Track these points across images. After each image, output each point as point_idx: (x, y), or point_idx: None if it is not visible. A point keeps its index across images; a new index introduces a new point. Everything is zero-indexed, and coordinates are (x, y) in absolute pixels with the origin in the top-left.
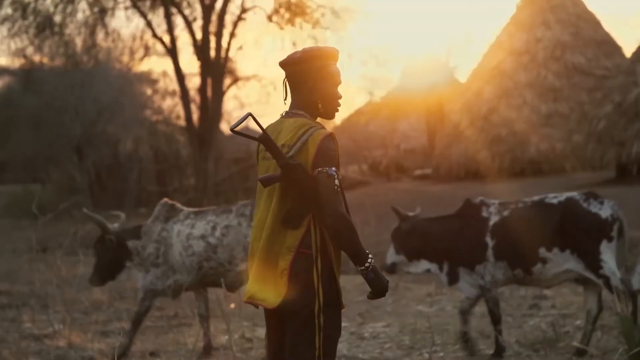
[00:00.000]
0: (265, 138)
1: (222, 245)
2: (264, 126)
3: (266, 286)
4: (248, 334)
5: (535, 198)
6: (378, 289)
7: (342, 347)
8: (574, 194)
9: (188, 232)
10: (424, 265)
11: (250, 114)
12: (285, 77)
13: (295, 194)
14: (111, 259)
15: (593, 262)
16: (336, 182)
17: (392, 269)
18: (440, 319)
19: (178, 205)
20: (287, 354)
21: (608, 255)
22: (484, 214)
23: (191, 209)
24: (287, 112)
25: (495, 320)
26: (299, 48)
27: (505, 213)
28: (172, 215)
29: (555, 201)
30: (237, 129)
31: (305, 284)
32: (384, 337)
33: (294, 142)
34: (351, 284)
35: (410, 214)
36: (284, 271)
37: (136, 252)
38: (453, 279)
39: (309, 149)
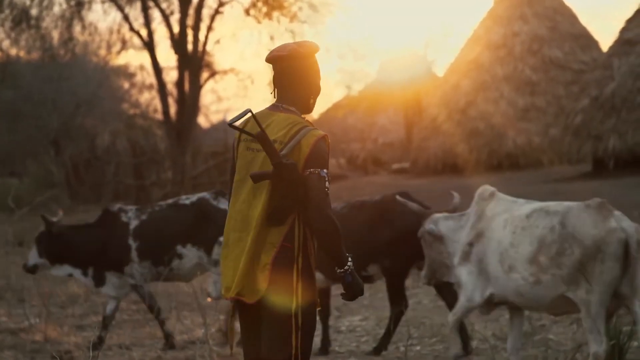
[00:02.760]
0: (262, 135)
1: None
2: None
3: (249, 282)
4: (225, 328)
5: (170, 200)
6: (354, 292)
7: (318, 341)
8: (204, 193)
9: None
10: (66, 269)
11: (249, 110)
12: (279, 70)
13: (283, 192)
14: None
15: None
16: (327, 184)
17: (33, 270)
18: (416, 313)
19: None
20: (263, 349)
21: None
22: (124, 219)
23: None
24: (275, 106)
25: (152, 310)
26: (277, 42)
27: (144, 217)
28: None
29: (187, 201)
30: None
31: (285, 280)
32: (360, 330)
33: (287, 140)
34: None
35: (54, 219)
36: (266, 266)
37: None
38: (99, 282)
39: (302, 149)
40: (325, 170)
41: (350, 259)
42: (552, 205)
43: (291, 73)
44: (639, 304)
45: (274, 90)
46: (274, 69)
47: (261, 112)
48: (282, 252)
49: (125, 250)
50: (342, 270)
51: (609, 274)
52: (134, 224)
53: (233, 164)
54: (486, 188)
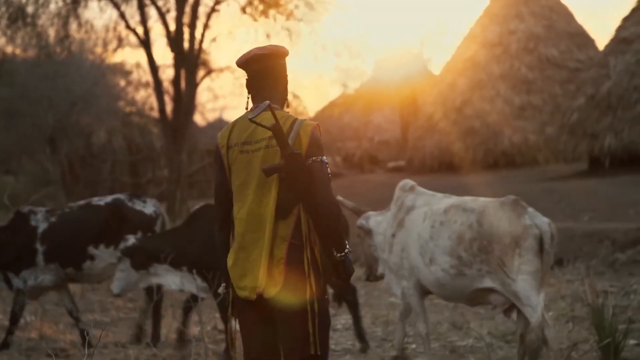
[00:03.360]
0: (277, 128)
1: None
2: (236, 118)
3: (268, 277)
4: (220, 326)
5: (82, 202)
6: (350, 275)
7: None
8: (119, 195)
9: None
10: None
11: (269, 104)
12: (260, 69)
13: (290, 183)
14: None
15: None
16: (328, 170)
17: None
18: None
19: None
20: (285, 347)
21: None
22: (33, 222)
23: None
24: (259, 106)
25: (13, 318)
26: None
27: (53, 219)
28: None
29: (102, 202)
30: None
31: (298, 273)
32: None
33: (285, 133)
34: None
35: None
36: (280, 260)
37: None
38: (9, 285)
39: (301, 139)
40: (325, 157)
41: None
42: (468, 201)
43: (273, 71)
44: (542, 295)
45: (251, 92)
46: (254, 68)
47: (245, 115)
48: (291, 248)
49: (30, 254)
50: (343, 254)
51: (529, 266)
52: (42, 227)
53: (222, 173)
54: (407, 182)
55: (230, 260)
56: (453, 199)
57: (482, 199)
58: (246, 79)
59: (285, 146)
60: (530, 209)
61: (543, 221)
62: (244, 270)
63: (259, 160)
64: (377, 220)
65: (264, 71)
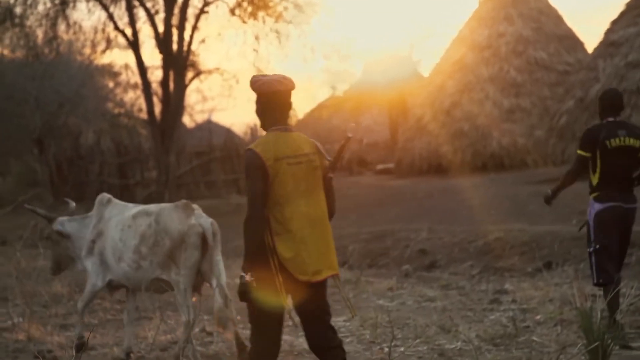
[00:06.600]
0: (348, 141)
1: None
2: (260, 138)
3: (333, 262)
4: (209, 328)
5: None
6: None
7: (302, 342)
8: None
9: None
10: None
11: (353, 124)
12: (286, 99)
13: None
14: None
15: None
16: None
17: None
18: (400, 314)
19: None
20: (322, 313)
21: None
22: None
23: None
24: (284, 128)
25: None
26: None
27: None
28: None
29: None
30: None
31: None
32: (344, 331)
33: (315, 151)
34: None
35: None
36: (333, 248)
37: None
38: None
39: (323, 156)
40: None
41: None
42: (152, 207)
43: (288, 99)
44: (216, 281)
45: (280, 114)
46: (282, 97)
47: (274, 135)
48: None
49: None
50: None
51: (191, 260)
52: None
53: (264, 182)
54: (104, 195)
55: (289, 253)
56: (140, 207)
57: (163, 204)
58: (267, 103)
59: (339, 160)
60: (197, 211)
61: (206, 220)
62: (306, 258)
63: (303, 171)
64: (74, 226)
65: (285, 98)
